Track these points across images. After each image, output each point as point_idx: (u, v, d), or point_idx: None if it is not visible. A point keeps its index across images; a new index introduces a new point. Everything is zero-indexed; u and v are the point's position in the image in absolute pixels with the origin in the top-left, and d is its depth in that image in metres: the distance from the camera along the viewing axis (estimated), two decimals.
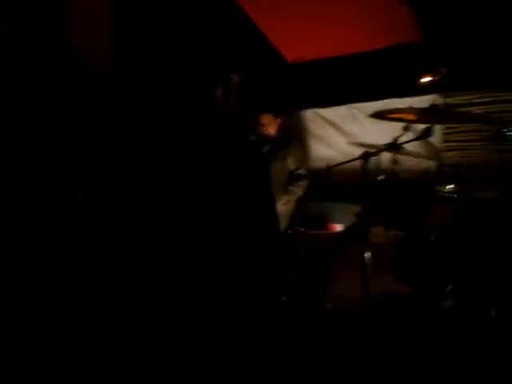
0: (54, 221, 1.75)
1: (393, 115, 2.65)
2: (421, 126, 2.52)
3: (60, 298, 1.75)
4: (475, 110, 3.58)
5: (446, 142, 3.84)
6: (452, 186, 2.57)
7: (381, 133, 3.55)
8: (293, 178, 3.91)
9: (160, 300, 1.75)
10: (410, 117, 2.71)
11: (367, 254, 2.45)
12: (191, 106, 1.87)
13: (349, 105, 4.25)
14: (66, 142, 1.82)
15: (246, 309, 1.79)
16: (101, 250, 1.80)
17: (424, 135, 2.31)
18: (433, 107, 2.43)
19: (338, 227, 3.97)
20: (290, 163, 3.91)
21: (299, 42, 3.95)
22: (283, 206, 3.84)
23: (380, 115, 2.75)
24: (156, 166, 1.78)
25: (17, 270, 1.75)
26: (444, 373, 2.11)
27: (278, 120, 3.90)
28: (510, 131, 3.24)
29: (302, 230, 3.16)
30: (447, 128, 3.79)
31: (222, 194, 1.71)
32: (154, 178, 1.76)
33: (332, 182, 3.70)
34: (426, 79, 3.75)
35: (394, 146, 2.58)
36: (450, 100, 3.73)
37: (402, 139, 2.59)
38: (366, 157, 2.45)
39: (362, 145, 2.66)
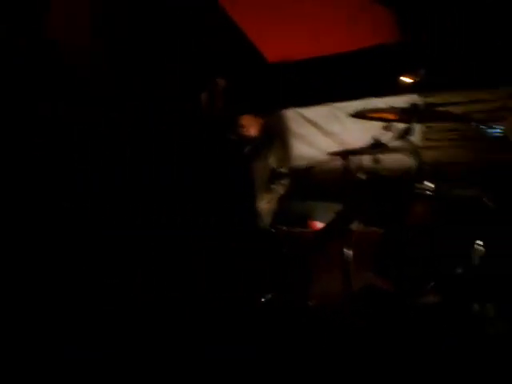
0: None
1: (373, 115, 2.68)
2: (401, 126, 2.56)
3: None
4: (454, 109, 3.63)
5: (425, 140, 3.89)
6: (432, 184, 2.60)
7: (362, 132, 3.59)
8: (275, 176, 3.92)
9: (147, 299, 1.74)
10: (391, 116, 2.74)
11: (348, 252, 2.47)
12: (176, 109, 1.87)
13: (330, 104, 4.27)
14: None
15: (228, 308, 1.79)
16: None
17: (404, 134, 2.34)
18: (413, 106, 2.46)
19: (320, 225, 3.99)
20: (272, 162, 3.93)
21: (279, 42, 3.96)
22: (265, 205, 3.85)
23: (361, 115, 2.77)
24: (140, 167, 1.77)
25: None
26: (424, 368, 2.13)
27: (259, 120, 3.91)
28: (488, 130, 3.29)
29: (284, 228, 3.17)
30: (427, 127, 3.85)
31: (205, 194, 1.71)
32: (136, 178, 1.75)
33: (314, 181, 3.72)
34: (406, 79, 3.80)
35: (374, 146, 2.60)
36: (429, 100, 3.77)
37: (383, 138, 2.62)
38: (346, 156, 2.47)
39: (343, 144, 2.68)
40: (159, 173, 1.71)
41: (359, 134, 3.56)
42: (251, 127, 3.89)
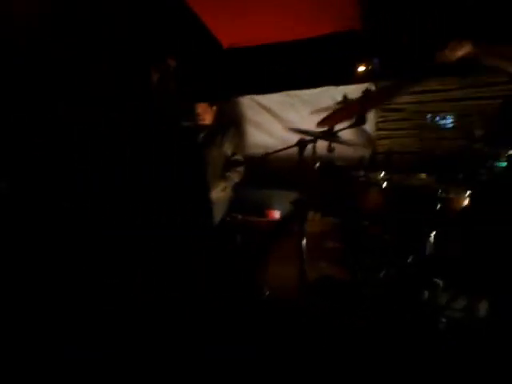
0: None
1: (333, 117, 2.66)
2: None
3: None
4: (407, 99, 3.70)
5: (378, 130, 3.95)
6: (384, 173, 2.62)
7: (316, 120, 3.60)
8: (230, 164, 3.88)
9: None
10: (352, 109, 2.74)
11: (303, 241, 2.46)
12: (124, 92, 1.78)
13: (285, 92, 4.26)
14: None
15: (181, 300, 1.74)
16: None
17: (357, 123, 2.34)
18: (366, 95, 2.47)
19: (276, 214, 4.00)
20: (227, 149, 3.88)
21: (235, 28, 3.90)
22: (220, 193, 3.81)
23: (319, 112, 2.76)
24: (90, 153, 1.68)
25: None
26: (377, 358, 2.16)
27: (213, 108, 3.86)
28: (439, 120, 3.37)
29: (239, 216, 3.14)
30: (380, 117, 3.90)
31: (156, 186, 1.65)
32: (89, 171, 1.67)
33: (269, 169, 3.71)
34: (360, 68, 3.82)
35: (329, 134, 2.59)
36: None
37: (337, 127, 2.61)
38: (301, 144, 2.45)
39: (298, 132, 2.66)
40: (108, 161, 1.63)
41: (314, 122, 3.56)
42: (206, 115, 3.84)
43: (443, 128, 3.47)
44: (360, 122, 2.37)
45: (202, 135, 3.82)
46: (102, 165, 1.60)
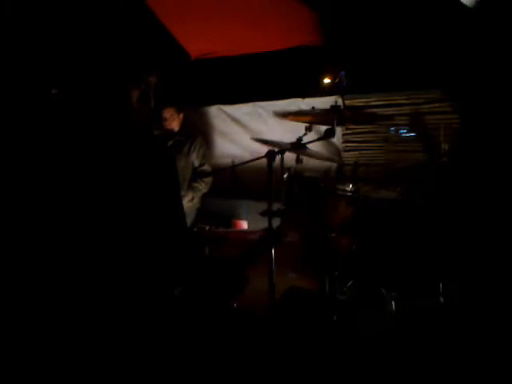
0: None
1: (297, 118, 2.69)
2: (323, 127, 2.59)
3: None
4: (372, 112, 3.77)
5: (345, 142, 4.01)
6: (351, 185, 2.66)
7: (285, 132, 3.64)
8: (197, 174, 3.86)
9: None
10: (312, 118, 2.79)
11: (272, 253, 2.46)
12: (103, 108, 1.74)
13: (254, 103, 4.28)
14: None
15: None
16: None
17: (326, 135, 2.37)
18: (333, 108, 2.50)
19: (244, 224, 3.99)
20: (195, 159, 3.86)
21: (202, 39, 3.90)
22: (188, 203, 3.78)
23: (283, 115, 2.79)
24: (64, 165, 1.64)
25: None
26: (345, 363, 2.18)
27: (181, 116, 3.83)
28: (404, 132, 3.46)
29: (207, 227, 3.12)
30: (347, 129, 3.96)
31: (130, 194, 1.62)
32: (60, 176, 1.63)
33: (237, 180, 3.71)
34: (327, 81, 3.88)
35: (297, 146, 2.62)
36: (348, 102, 3.89)
37: (306, 139, 2.64)
38: (270, 155, 2.46)
39: (266, 143, 2.67)
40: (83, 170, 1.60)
41: (283, 133, 3.59)
42: (173, 121, 3.80)
43: (407, 140, 3.55)
44: (329, 134, 2.40)
45: (168, 144, 3.78)
46: (69, 178, 1.57)
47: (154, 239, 1.65)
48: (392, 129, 3.73)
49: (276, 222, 2.54)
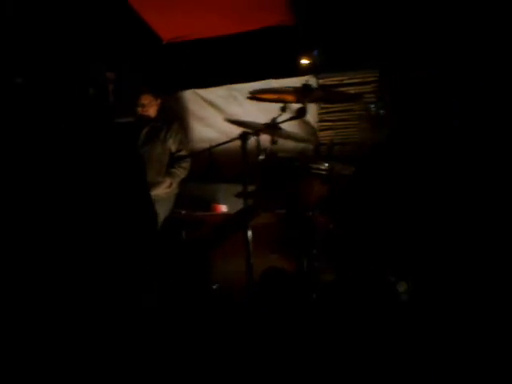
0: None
1: (268, 95, 2.69)
2: (297, 107, 2.59)
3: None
4: (346, 90, 3.77)
5: (320, 121, 4.02)
6: (327, 163, 2.67)
7: (260, 113, 3.61)
8: (175, 160, 3.84)
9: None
10: (287, 97, 2.77)
11: (249, 234, 2.47)
12: (61, 104, 1.72)
13: (228, 86, 4.26)
14: None
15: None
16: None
17: (298, 115, 2.37)
18: (305, 87, 2.50)
19: (223, 208, 3.99)
20: (172, 145, 3.84)
21: (172, 23, 3.84)
22: (166, 189, 3.77)
23: (257, 95, 2.77)
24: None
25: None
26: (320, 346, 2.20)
27: (158, 101, 3.81)
28: (377, 110, 3.45)
29: (183, 212, 3.11)
30: (322, 108, 3.96)
31: (95, 188, 1.60)
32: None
33: (214, 163, 3.69)
34: (302, 61, 3.87)
35: (271, 126, 2.61)
36: (322, 81, 3.89)
37: (280, 119, 2.63)
38: (244, 137, 2.46)
39: (241, 124, 2.66)
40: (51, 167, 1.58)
41: (258, 115, 3.57)
42: (151, 107, 3.78)
43: (381, 117, 3.55)
44: (300, 114, 2.40)
45: (145, 131, 3.75)
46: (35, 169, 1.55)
47: (120, 230, 1.65)
48: (372, 106, 3.73)
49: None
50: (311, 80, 3.78)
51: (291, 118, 2.44)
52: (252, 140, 2.57)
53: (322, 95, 2.83)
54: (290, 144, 3.04)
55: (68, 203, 1.58)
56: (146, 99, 3.76)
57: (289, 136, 2.88)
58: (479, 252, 2.44)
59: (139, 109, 3.75)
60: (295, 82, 3.57)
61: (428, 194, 2.54)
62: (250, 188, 2.55)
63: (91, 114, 1.73)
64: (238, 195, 2.52)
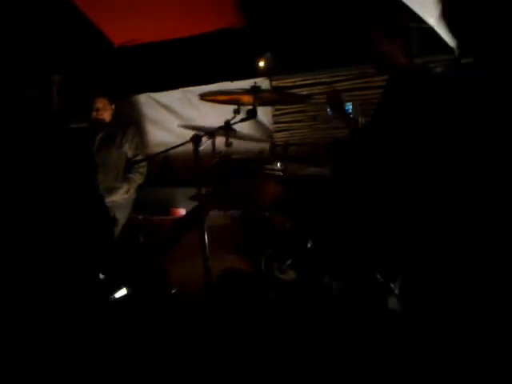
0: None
1: (220, 97, 2.71)
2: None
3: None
4: (299, 91, 3.83)
5: (275, 123, 4.07)
6: (281, 164, 2.70)
7: (216, 116, 3.61)
8: (131, 165, 3.80)
9: None
10: (241, 99, 2.79)
11: (206, 237, 2.48)
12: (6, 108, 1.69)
13: (183, 89, 4.25)
14: None
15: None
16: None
17: (249, 116, 2.40)
18: (253, 88, 2.53)
19: (182, 211, 3.99)
20: (128, 150, 3.79)
21: (124, 26, 3.81)
22: (124, 195, 3.72)
23: (208, 97, 2.79)
24: None
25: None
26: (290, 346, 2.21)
27: (113, 106, 3.76)
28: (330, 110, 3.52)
29: (140, 217, 3.09)
30: (276, 110, 4.01)
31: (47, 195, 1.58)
32: None
33: (170, 167, 3.68)
34: (260, 63, 3.91)
35: (225, 128, 2.63)
36: (275, 83, 3.94)
37: (234, 121, 2.65)
38: (195, 139, 2.46)
39: (194, 129, 2.67)
40: None
41: (214, 117, 3.58)
42: (105, 111, 3.73)
43: (333, 118, 3.62)
44: (251, 115, 2.43)
45: (100, 136, 3.71)
46: None
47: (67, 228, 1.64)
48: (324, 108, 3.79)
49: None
50: (264, 82, 3.83)
51: (242, 120, 2.47)
52: (208, 143, 2.58)
53: (275, 97, 2.87)
54: (247, 146, 3.08)
55: (14, 210, 1.56)
56: (100, 103, 3.70)
57: (243, 137, 2.91)
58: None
59: (94, 113, 3.70)
60: (249, 83, 3.61)
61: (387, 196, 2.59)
62: (205, 190, 2.55)
63: (31, 116, 1.70)
64: (193, 198, 2.52)
